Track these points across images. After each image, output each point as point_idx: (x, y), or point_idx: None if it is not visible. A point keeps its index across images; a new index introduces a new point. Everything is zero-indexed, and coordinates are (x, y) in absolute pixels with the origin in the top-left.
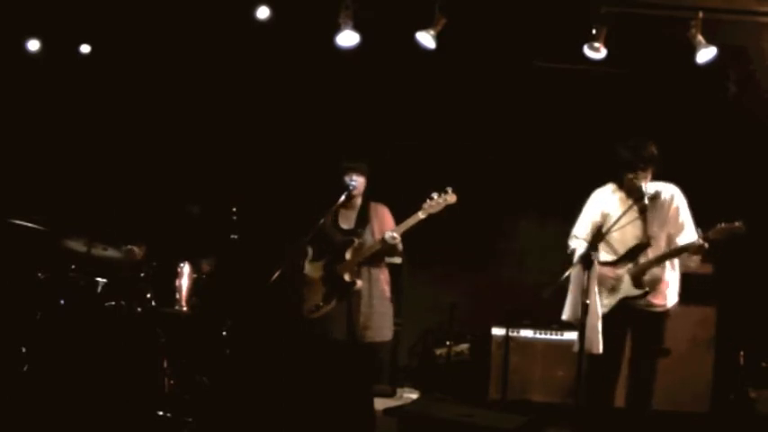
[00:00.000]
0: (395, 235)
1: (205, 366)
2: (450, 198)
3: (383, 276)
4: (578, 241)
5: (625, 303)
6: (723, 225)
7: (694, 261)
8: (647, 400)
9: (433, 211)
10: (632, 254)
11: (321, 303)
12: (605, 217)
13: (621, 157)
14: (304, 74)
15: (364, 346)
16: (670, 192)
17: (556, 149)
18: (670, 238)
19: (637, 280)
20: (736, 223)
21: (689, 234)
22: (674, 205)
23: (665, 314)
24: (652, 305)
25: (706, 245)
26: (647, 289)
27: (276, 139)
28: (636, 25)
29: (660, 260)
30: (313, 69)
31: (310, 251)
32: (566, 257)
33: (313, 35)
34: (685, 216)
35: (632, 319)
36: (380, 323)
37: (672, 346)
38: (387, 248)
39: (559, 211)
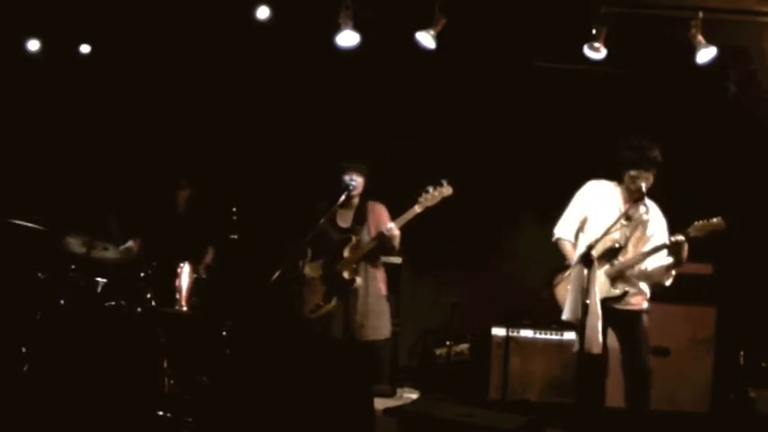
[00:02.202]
0: (392, 226)
1: (205, 366)
2: (446, 190)
3: (379, 275)
4: (564, 231)
5: (603, 305)
6: (701, 222)
7: (668, 277)
8: (645, 398)
9: (429, 204)
10: (608, 256)
11: (321, 303)
12: (591, 211)
13: (626, 155)
14: (304, 74)
15: (361, 344)
16: (652, 206)
17: (556, 149)
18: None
19: (614, 281)
20: (714, 219)
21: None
22: (659, 228)
23: (641, 312)
24: (629, 303)
25: (683, 239)
26: (626, 289)
27: (276, 139)
28: (636, 25)
29: (638, 260)
30: (313, 69)
31: (309, 251)
32: (563, 252)
33: (313, 35)
34: (662, 238)
35: (611, 319)
36: (376, 322)
37: (672, 346)
38: (385, 242)
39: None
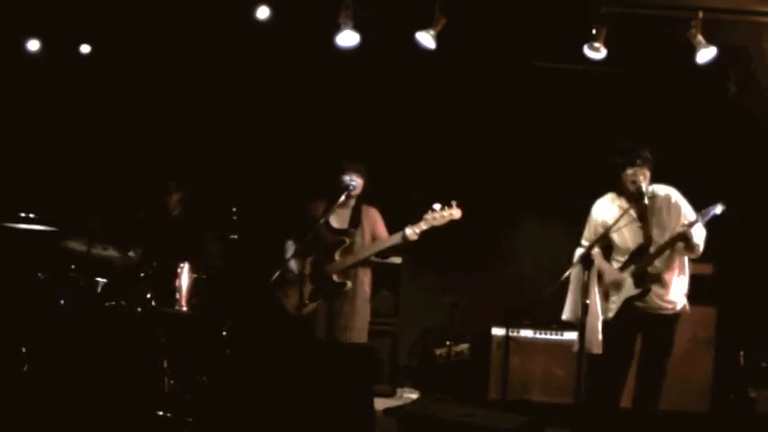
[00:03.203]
0: (417, 231)
1: (205, 366)
2: (456, 213)
3: (366, 279)
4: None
5: (633, 306)
6: (703, 210)
7: (691, 249)
8: (655, 401)
9: (435, 223)
10: (634, 257)
11: (307, 301)
12: (607, 227)
13: (618, 159)
14: (304, 74)
15: (344, 346)
16: (665, 192)
17: (556, 149)
18: None
19: (638, 279)
20: (718, 204)
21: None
22: (676, 207)
23: (676, 317)
24: (661, 308)
25: (685, 229)
26: (648, 286)
27: (276, 139)
28: (636, 25)
29: (657, 254)
30: (313, 69)
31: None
32: (565, 258)
33: (313, 35)
34: (687, 210)
35: (643, 322)
36: (361, 324)
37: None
38: (405, 245)
39: (559, 211)
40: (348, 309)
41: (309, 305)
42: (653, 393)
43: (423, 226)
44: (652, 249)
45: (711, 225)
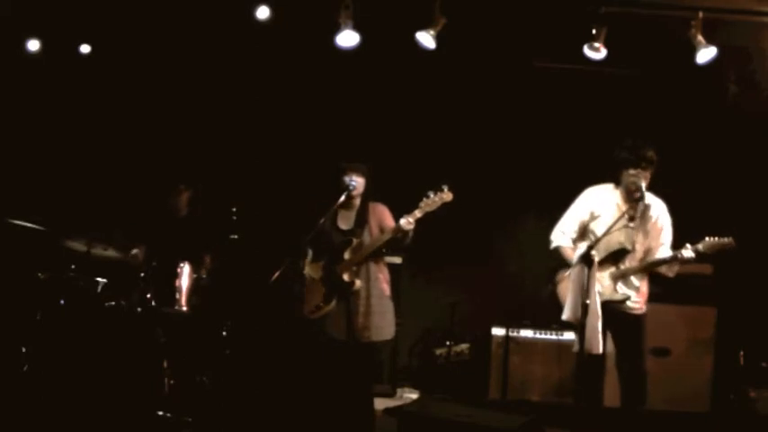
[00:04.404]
0: (410, 220)
1: (205, 366)
2: (447, 196)
3: (382, 275)
4: (564, 238)
5: (605, 306)
6: (713, 240)
7: (672, 270)
8: (639, 399)
9: (429, 209)
10: (614, 258)
11: (322, 304)
12: (593, 217)
13: (623, 156)
14: (304, 74)
15: (364, 345)
16: (659, 207)
17: (556, 149)
18: (649, 251)
19: (618, 283)
20: (726, 239)
21: (665, 250)
22: (660, 224)
23: (643, 316)
24: (630, 308)
25: (693, 256)
26: (628, 294)
27: (276, 139)
28: (636, 25)
29: (644, 269)
30: (313, 69)
31: (310, 252)
32: (564, 259)
33: (313, 35)
34: (666, 234)
35: (611, 320)
36: (380, 323)
37: (672, 346)
38: (401, 236)
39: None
40: (364, 308)
41: (324, 308)
42: (636, 392)
43: (417, 214)
44: (630, 261)
45: (711, 226)
